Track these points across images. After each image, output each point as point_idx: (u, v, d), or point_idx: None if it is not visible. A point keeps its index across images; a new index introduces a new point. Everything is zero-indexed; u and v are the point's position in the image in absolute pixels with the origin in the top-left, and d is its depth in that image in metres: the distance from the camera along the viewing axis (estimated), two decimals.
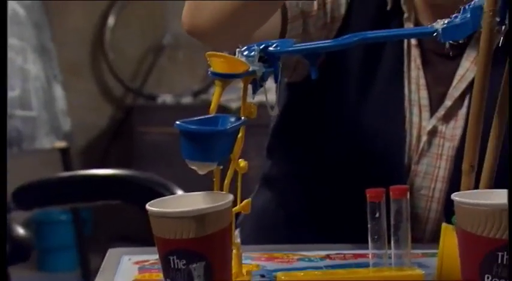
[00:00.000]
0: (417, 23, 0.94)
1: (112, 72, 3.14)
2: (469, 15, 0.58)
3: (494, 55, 0.76)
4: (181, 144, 0.59)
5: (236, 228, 1.13)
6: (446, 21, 0.60)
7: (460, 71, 0.93)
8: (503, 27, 0.58)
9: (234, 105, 2.49)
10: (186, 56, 3.16)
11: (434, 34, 0.60)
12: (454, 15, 0.60)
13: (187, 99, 3.13)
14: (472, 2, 0.58)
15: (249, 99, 0.65)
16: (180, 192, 1.26)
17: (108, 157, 3.12)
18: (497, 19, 0.57)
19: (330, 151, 0.98)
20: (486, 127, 0.65)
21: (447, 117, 0.94)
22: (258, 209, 1.08)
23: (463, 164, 0.63)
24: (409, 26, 0.93)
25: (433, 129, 0.95)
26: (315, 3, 0.92)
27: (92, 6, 3.09)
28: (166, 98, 3.14)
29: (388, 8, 0.94)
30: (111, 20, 3.10)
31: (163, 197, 0.62)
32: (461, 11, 0.59)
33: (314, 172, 1.01)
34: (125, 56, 3.17)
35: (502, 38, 0.81)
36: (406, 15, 0.93)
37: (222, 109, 2.57)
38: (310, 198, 1.03)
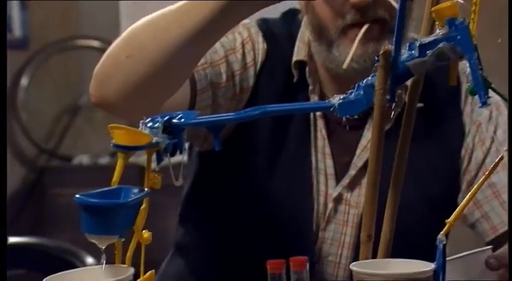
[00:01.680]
0: (322, 95, 0.97)
1: (25, 133, 3.06)
2: (362, 92, 0.61)
3: (389, 129, 0.80)
4: (80, 217, 0.59)
5: None
6: (342, 97, 0.62)
7: (363, 142, 0.97)
8: (394, 104, 0.61)
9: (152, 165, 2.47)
10: (104, 116, 3.14)
11: (331, 109, 0.63)
12: (349, 91, 0.63)
13: (104, 160, 3.08)
14: (365, 80, 0.62)
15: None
16: (90, 259, 1.23)
17: (19, 222, 3.01)
18: (388, 97, 0.60)
19: (240, 219, 0.99)
20: (384, 197, 0.67)
21: (352, 186, 0.97)
22: (171, 277, 1.07)
23: (361, 234, 0.65)
24: (314, 98, 0.97)
25: (339, 197, 0.97)
26: (224, 75, 0.95)
27: None
28: (82, 159, 3.09)
29: (295, 80, 0.98)
30: (24, 80, 3.05)
31: (62, 272, 0.61)
32: (355, 88, 0.62)
33: (225, 241, 1.02)
34: (39, 116, 3.11)
35: (393, 113, 0.86)
36: (311, 87, 0.97)
37: (141, 169, 2.54)
38: (221, 266, 1.03)
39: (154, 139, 0.64)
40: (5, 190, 0.72)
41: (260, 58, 0.99)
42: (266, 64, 0.99)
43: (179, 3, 0.80)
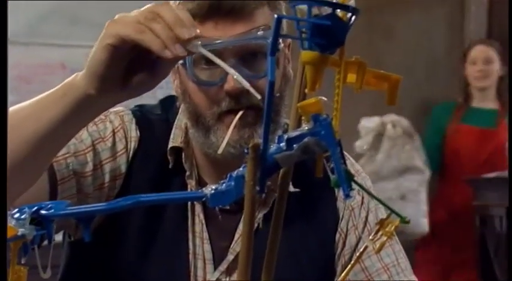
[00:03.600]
0: (200, 180, 0.98)
1: None
2: (233, 183, 0.62)
3: (267, 213, 0.81)
4: None
5: None
6: (214, 188, 0.63)
7: (242, 226, 0.98)
8: (263, 195, 0.63)
9: None
10: None
11: (203, 199, 0.63)
12: (222, 182, 0.64)
13: None
14: (236, 171, 0.63)
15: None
16: None
17: None
18: (258, 188, 0.61)
19: None
20: None
21: (230, 271, 0.98)
22: None
23: None
24: (191, 183, 0.97)
25: None
26: (90, 163, 0.94)
27: None
28: None
29: (170, 166, 0.98)
30: None
31: None
32: (227, 179, 0.63)
33: None
34: None
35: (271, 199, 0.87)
36: (188, 173, 0.98)
37: None
38: None
39: (20, 231, 0.62)
40: (5, 188, 0.69)
41: (132, 146, 0.99)
42: (139, 152, 0.99)
43: (37, 97, 0.80)
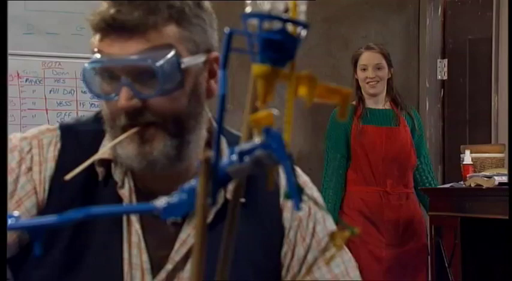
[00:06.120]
0: (136, 189, 0.98)
1: None
2: (185, 196, 0.62)
3: (210, 223, 0.81)
4: None
5: None
6: (166, 200, 0.63)
7: (182, 236, 0.98)
8: (214, 206, 0.63)
9: None
10: None
11: (154, 211, 0.63)
12: (174, 193, 0.64)
13: None
14: (188, 184, 0.63)
15: None
16: None
17: None
18: (210, 200, 0.61)
19: None
20: None
21: (169, 280, 0.97)
22: None
23: None
24: (123, 193, 0.97)
25: None
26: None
27: None
28: None
29: (100, 178, 0.98)
30: None
31: None
32: (179, 191, 0.63)
33: None
34: None
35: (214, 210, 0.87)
36: (119, 184, 0.98)
37: None
38: None
39: None
40: (5, 189, 0.68)
41: (49, 166, 0.98)
42: (59, 170, 0.98)
43: None
